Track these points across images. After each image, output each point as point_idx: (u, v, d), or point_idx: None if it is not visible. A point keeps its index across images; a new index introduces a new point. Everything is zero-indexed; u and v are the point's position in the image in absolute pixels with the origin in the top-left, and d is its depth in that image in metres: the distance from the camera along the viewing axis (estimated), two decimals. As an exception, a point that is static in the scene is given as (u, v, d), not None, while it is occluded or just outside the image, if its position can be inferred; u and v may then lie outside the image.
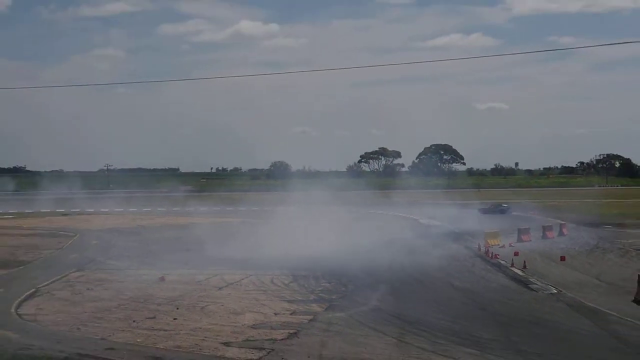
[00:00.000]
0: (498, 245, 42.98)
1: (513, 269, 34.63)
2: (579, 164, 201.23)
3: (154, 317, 23.10)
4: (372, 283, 30.34)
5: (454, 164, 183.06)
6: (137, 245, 46.41)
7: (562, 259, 38.03)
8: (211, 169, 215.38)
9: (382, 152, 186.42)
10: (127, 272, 33.89)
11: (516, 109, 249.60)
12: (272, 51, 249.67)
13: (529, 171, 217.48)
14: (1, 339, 19.80)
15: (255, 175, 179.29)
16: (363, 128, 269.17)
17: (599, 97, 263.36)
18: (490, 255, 38.95)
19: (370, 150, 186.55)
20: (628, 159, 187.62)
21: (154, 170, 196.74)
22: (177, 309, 24.53)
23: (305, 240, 41.17)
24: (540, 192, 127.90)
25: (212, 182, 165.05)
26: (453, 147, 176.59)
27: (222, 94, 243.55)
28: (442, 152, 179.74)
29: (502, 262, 36.86)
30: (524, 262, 35.59)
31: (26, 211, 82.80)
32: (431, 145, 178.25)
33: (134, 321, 22.47)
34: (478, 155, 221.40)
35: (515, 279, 32.20)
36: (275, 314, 23.75)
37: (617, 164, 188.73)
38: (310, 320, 22.68)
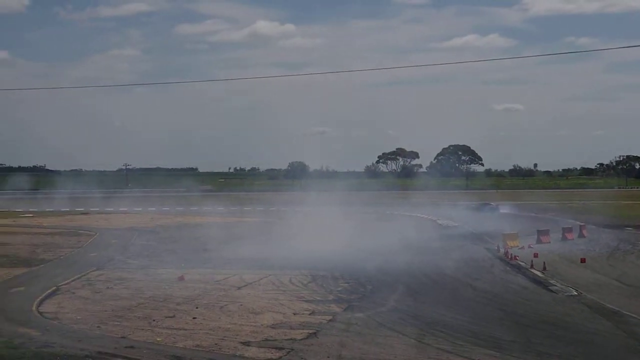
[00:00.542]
0: (517, 246, 42.68)
1: (533, 270, 34.37)
2: (598, 165, 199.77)
3: (174, 316, 23.22)
4: (391, 283, 30.27)
5: (472, 165, 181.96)
6: (156, 245, 46.76)
7: (583, 260, 37.70)
8: (229, 168, 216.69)
9: (400, 153, 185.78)
10: (147, 271, 34.11)
11: (533, 109, 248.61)
12: (288, 51, 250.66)
13: (548, 172, 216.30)
14: (23, 337, 20.00)
15: (273, 175, 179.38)
16: (380, 128, 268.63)
17: (617, 98, 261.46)
18: (509, 257, 38.72)
19: (387, 151, 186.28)
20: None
21: (172, 170, 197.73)
22: (197, 308, 24.64)
23: (323, 241, 41.12)
24: (558, 193, 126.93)
25: (230, 182, 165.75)
26: (471, 148, 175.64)
27: (238, 94, 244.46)
28: (460, 153, 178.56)
29: (521, 263, 36.63)
30: (544, 263, 35.36)
31: (46, 210, 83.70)
32: (449, 146, 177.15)
33: (153, 320, 22.62)
34: (496, 156, 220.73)
35: (535, 280, 31.94)
36: (295, 313, 23.78)
37: (638, 166, 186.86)
38: (330, 320, 22.69)
